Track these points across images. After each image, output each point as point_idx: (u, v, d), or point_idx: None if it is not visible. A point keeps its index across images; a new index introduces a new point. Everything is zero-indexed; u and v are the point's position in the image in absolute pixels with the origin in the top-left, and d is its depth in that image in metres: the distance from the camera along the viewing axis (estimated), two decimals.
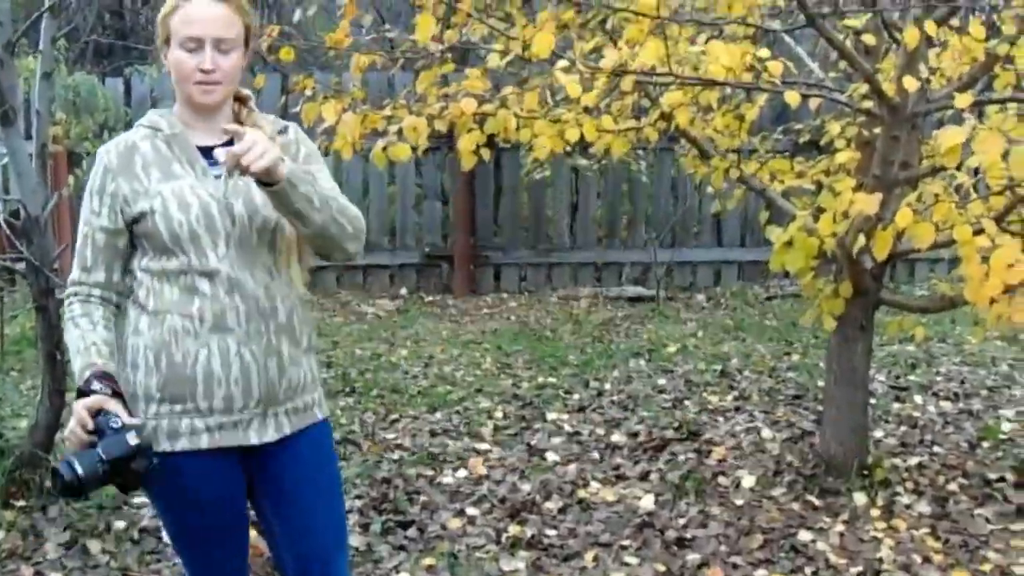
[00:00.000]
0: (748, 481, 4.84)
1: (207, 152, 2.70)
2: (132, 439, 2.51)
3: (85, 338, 2.71)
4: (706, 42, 4.24)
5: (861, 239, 3.83)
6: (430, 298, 9.62)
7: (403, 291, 9.78)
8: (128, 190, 2.72)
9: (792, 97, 3.97)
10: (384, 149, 4.16)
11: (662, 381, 6.57)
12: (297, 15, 4.73)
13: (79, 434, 2.53)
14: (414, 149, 4.14)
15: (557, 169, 9.62)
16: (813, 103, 4.48)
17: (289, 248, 2.79)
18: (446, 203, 10.01)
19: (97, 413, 2.54)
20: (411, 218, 9.97)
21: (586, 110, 4.19)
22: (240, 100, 2.84)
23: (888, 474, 4.79)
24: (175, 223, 2.67)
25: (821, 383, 5.89)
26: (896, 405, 5.98)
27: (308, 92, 4.38)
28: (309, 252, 2.85)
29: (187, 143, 2.75)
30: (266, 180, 2.55)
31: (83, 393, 2.59)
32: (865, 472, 4.77)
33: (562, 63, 3.75)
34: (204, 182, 2.71)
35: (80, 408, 2.55)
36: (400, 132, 4.01)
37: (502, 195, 10.02)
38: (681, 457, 5.17)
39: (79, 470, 2.45)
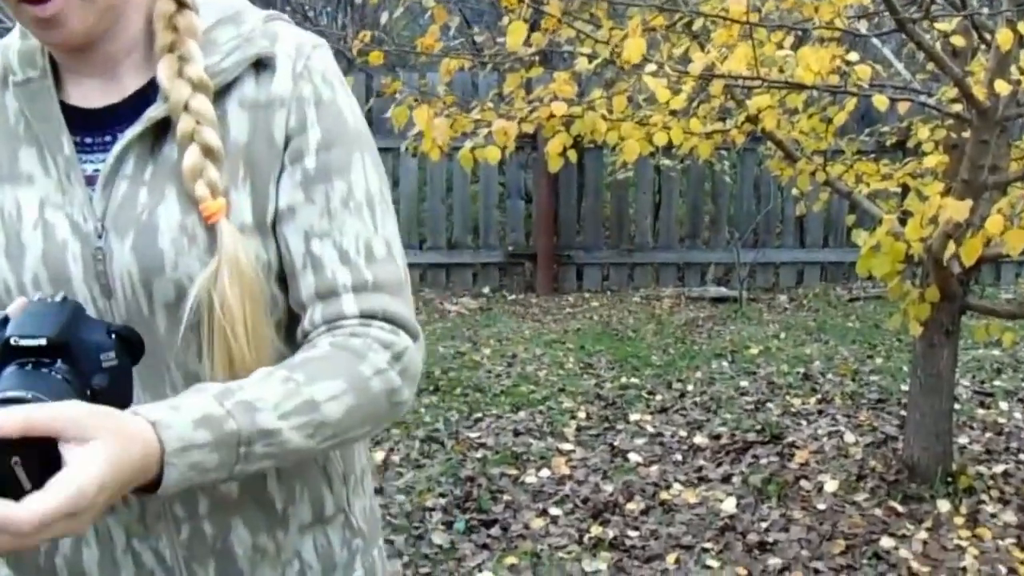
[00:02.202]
0: (831, 486, 4.82)
1: (87, 119, 1.39)
2: None
3: None
4: (793, 45, 4.26)
5: (951, 246, 3.81)
6: (513, 297, 9.66)
7: (486, 289, 9.82)
8: None
9: (880, 101, 3.96)
10: (472, 150, 4.21)
11: (744, 383, 6.55)
12: (384, 18, 4.77)
13: None
14: (502, 151, 4.18)
15: (640, 169, 9.60)
16: (901, 106, 4.46)
17: (218, 344, 1.33)
18: (529, 202, 10.03)
19: None
20: (494, 216, 10.01)
21: (672, 113, 4.21)
22: None
23: (973, 481, 4.76)
24: None
25: (904, 387, 5.87)
26: (981, 411, 5.93)
27: (397, 95, 4.43)
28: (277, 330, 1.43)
29: (48, 102, 1.38)
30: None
31: None
32: (949, 479, 4.74)
33: (650, 67, 3.76)
34: (68, 193, 1.37)
35: None
36: (488, 134, 4.04)
37: (585, 194, 10.02)
38: (763, 460, 5.17)
39: None
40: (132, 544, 1.42)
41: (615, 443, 5.50)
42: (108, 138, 1.38)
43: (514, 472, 5.10)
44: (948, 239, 3.86)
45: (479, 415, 5.97)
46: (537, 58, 4.42)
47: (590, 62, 3.98)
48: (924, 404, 4.82)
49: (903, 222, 4.13)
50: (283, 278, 1.42)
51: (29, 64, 1.39)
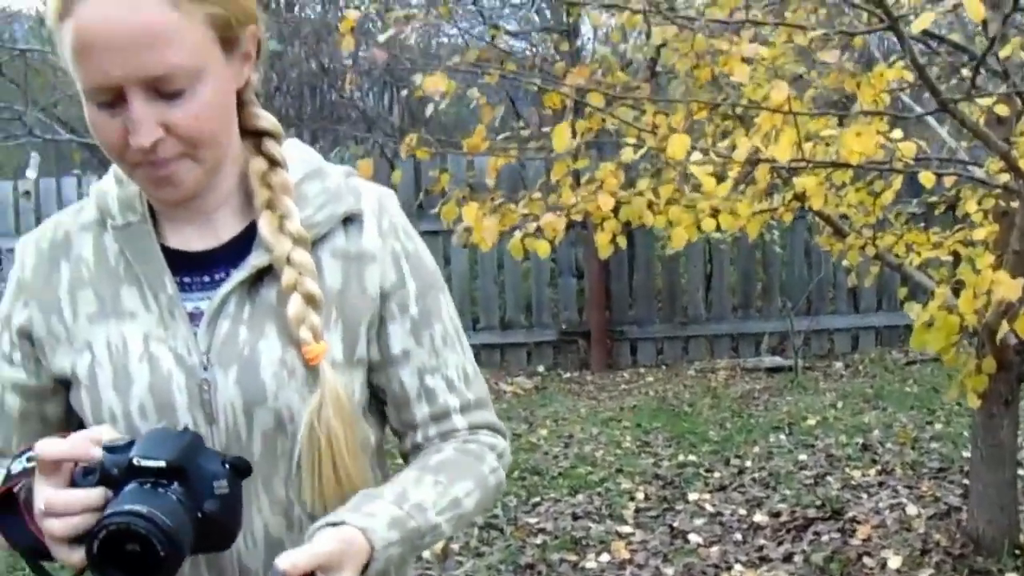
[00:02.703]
0: (894, 562, 4.78)
1: (187, 262, 1.56)
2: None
3: None
4: (838, 122, 4.28)
5: (1004, 325, 3.79)
6: (568, 375, 9.66)
7: (540, 368, 9.84)
8: (43, 328, 1.57)
9: (927, 179, 3.98)
10: (522, 239, 4.24)
11: (803, 456, 6.52)
12: (430, 109, 4.83)
13: (74, 499, 1.34)
14: (551, 240, 4.21)
15: (690, 241, 9.61)
16: (948, 178, 4.47)
17: (324, 467, 1.50)
18: (581, 278, 10.07)
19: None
20: (546, 294, 10.05)
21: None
22: (256, 140, 1.59)
23: None
24: (104, 409, 1.51)
25: (966, 453, 5.81)
26: None
27: (445, 188, 4.47)
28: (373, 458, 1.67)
29: (149, 245, 1.54)
30: None
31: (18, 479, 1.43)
32: (1017, 551, 4.68)
33: (696, 155, 3.79)
34: (171, 329, 1.52)
35: (75, 443, 1.37)
36: (537, 228, 4.08)
37: (636, 268, 10.05)
38: (825, 537, 5.13)
39: (167, 523, 1.30)
40: None
41: (674, 524, 5.48)
42: (207, 279, 1.54)
43: (574, 558, 5.09)
44: (1002, 316, 3.85)
45: (537, 499, 5.97)
46: (583, 147, 4.46)
47: (635, 152, 4.02)
48: (987, 475, 4.79)
49: (956, 292, 4.12)
50: (369, 406, 1.65)
51: (129, 209, 1.55)
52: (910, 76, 4.33)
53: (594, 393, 8.89)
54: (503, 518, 5.66)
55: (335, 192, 1.59)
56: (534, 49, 11.37)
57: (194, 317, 1.53)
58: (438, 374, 1.64)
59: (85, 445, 1.36)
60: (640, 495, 5.97)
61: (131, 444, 1.36)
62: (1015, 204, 4.37)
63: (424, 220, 5.63)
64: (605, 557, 5.10)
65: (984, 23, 3.91)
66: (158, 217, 1.57)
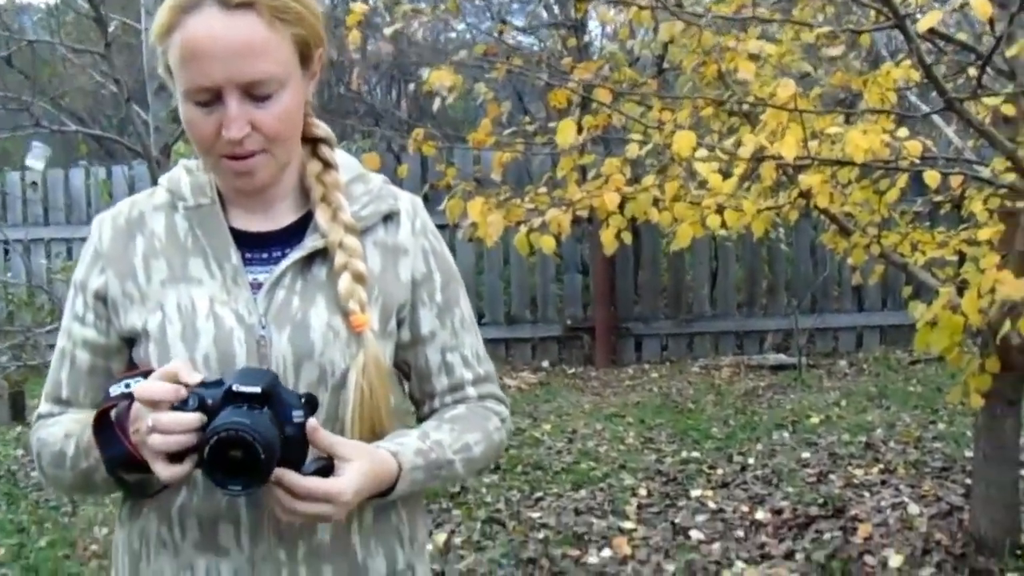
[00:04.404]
0: (895, 560, 4.78)
1: (248, 240, 1.84)
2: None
3: (77, 419, 1.84)
4: (844, 119, 4.28)
5: (1007, 324, 3.79)
6: (572, 370, 9.68)
7: (545, 363, 9.85)
8: (118, 290, 1.83)
9: (932, 178, 3.98)
10: (527, 234, 4.24)
11: (806, 454, 6.52)
12: (437, 103, 4.84)
13: (173, 421, 1.59)
14: (556, 236, 4.21)
15: (695, 238, 9.61)
16: (954, 177, 4.46)
17: (365, 415, 1.80)
18: (586, 274, 10.08)
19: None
20: (551, 290, 10.05)
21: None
22: (313, 145, 1.90)
23: None
24: (171, 359, 1.73)
25: (968, 453, 5.81)
26: None
27: (451, 182, 4.47)
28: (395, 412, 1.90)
29: (218, 224, 1.83)
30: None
31: (106, 416, 1.72)
32: (1019, 552, 4.68)
33: (701, 152, 3.79)
34: (234, 294, 1.79)
35: (155, 381, 1.63)
36: (543, 223, 4.09)
37: (642, 265, 10.06)
38: (826, 535, 5.12)
39: (265, 435, 1.58)
40: None
41: (677, 520, 5.48)
42: (264, 255, 1.84)
43: (576, 553, 5.09)
44: (1006, 316, 3.85)
45: (540, 494, 5.98)
46: (589, 143, 4.46)
47: (640, 148, 4.02)
48: (989, 475, 4.78)
49: (961, 291, 4.11)
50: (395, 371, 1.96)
51: (201, 193, 1.85)
52: (917, 75, 4.33)
53: (598, 389, 8.90)
54: (505, 512, 5.67)
55: (377, 193, 1.91)
56: (542, 45, 11.37)
57: (252, 286, 1.81)
58: (456, 352, 1.95)
59: (175, 389, 1.61)
60: (643, 491, 5.97)
61: (220, 382, 1.63)
62: (1021, 204, 4.36)
63: (430, 214, 5.65)
64: (607, 552, 5.10)
65: (991, 22, 3.91)
66: (225, 202, 1.86)
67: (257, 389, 1.61)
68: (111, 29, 5.11)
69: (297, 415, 1.64)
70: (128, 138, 6.49)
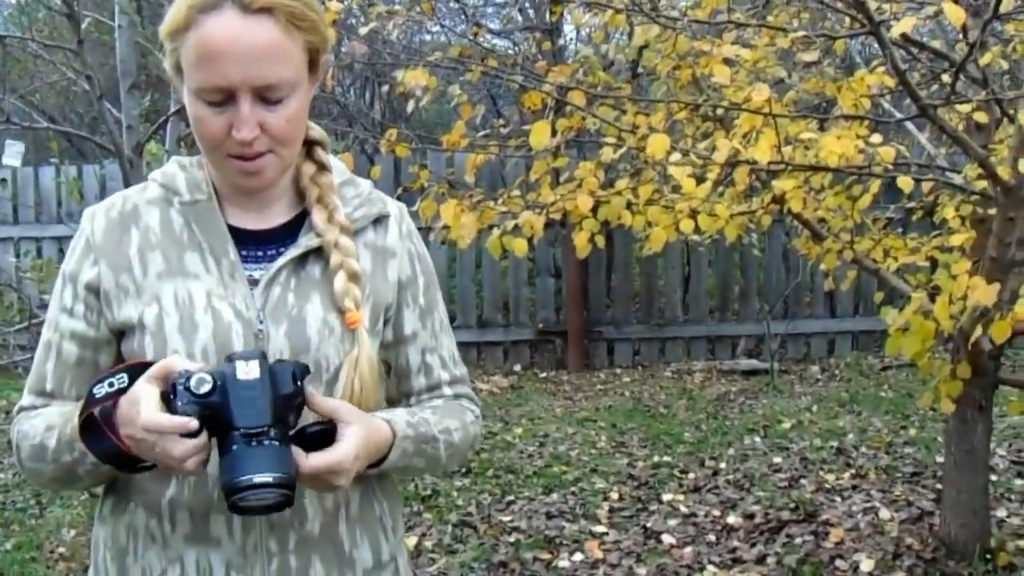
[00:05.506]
0: (867, 565, 4.79)
1: (243, 237, 1.87)
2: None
3: (61, 412, 1.83)
4: (818, 125, 4.29)
5: (979, 329, 3.80)
6: (544, 374, 9.67)
7: (517, 367, 9.84)
8: (112, 283, 1.83)
9: (905, 183, 3.99)
10: (500, 237, 4.24)
11: (778, 459, 6.53)
12: (411, 105, 4.82)
13: (168, 423, 1.60)
14: (529, 239, 4.21)
15: (668, 243, 9.61)
16: (927, 184, 4.48)
17: (370, 396, 1.86)
18: (559, 278, 10.07)
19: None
20: (524, 293, 10.04)
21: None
22: (308, 147, 1.94)
23: (1012, 558, 4.71)
24: (168, 350, 1.77)
25: (939, 458, 5.83)
26: (1019, 482, 5.88)
27: (424, 184, 4.46)
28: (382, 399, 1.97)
29: (215, 220, 1.86)
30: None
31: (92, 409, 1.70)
32: (988, 556, 4.70)
33: (675, 156, 3.79)
34: (231, 288, 1.82)
35: (149, 379, 1.65)
36: (515, 227, 4.08)
37: (614, 269, 10.06)
38: (798, 539, 5.13)
39: (284, 476, 1.61)
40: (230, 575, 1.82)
41: (648, 524, 5.48)
42: (259, 253, 1.87)
43: (547, 556, 5.09)
44: (977, 321, 3.86)
45: (511, 497, 5.97)
46: (563, 146, 4.45)
47: (615, 151, 4.02)
48: (959, 480, 4.80)
49: (932, 297, 4.12)
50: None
51: (196, 189, 1.87)
52: (891, 81, 4.34)
53: (570, 393, 8.89)
54: (477, 516, 5.66)
55: (367, 197, 1.97)
56: (516, 48, 11.36)
57: (248, 282, 1.84)
58: (436, 353, 2.01)
59: (184, 423, 1.59)
60: (614, 495, 5.97)
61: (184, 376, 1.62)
62: (992, 211, 4.38)
63: None
64: (578, 556, 5.09)
65: (964, 29, 3.92)
66: (221, 199, 1.88)
67: (255, 360, 1.65)
68: (84, 25, 5.06)
69: (285, 383, 1.68)
70: (100, 136, 6.44)
